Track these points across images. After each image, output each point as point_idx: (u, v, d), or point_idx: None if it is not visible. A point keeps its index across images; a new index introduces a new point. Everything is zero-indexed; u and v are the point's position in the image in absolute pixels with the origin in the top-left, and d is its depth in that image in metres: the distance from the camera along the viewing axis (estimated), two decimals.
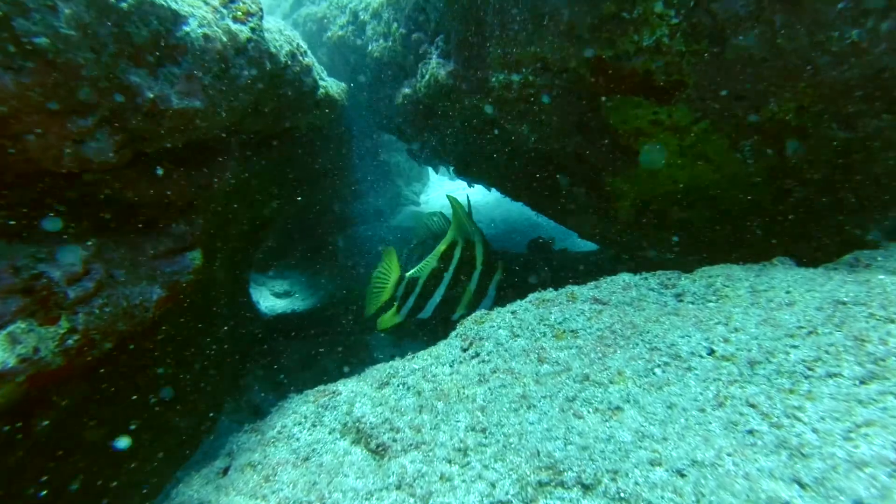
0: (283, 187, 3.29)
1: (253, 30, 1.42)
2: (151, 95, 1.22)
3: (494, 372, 1.42)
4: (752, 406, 1.05)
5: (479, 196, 6.97)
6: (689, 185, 2.54)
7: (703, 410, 1.09)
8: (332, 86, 2.48)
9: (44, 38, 1.00)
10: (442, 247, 2.39)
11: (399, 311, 2.32)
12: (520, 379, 1.36)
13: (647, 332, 1.45)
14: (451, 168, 2.94)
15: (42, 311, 1.20)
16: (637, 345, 1.41)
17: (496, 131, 2.38)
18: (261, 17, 1.48)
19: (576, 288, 1.82)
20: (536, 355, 1.46)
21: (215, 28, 1.29)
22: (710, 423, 1.04)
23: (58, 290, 1.23)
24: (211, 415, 3.60)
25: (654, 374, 1.27)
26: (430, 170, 8.66)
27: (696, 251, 2.79)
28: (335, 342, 4.81)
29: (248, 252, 3.36)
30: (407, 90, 2.51)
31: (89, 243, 1.34)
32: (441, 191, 8.97)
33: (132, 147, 1.31)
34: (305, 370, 4.54)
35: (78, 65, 1.07)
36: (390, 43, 2.56)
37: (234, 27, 1.37)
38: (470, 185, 3.01)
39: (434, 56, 2.18)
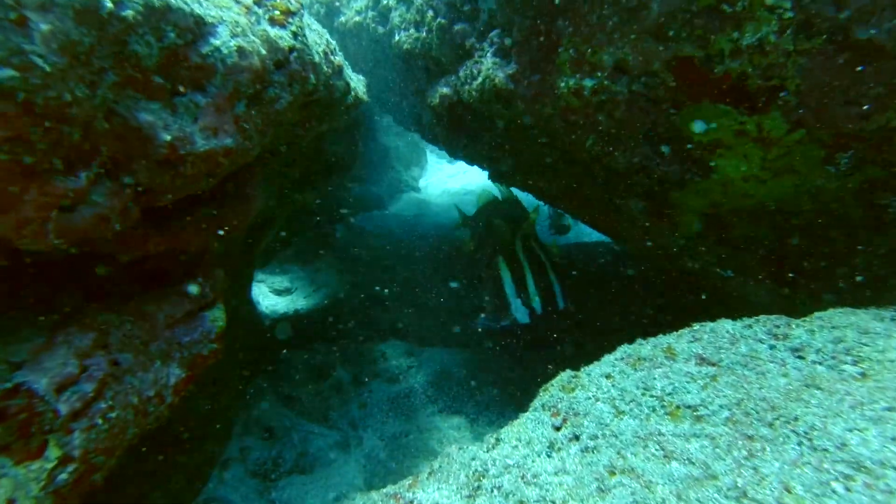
0: (288, 183, 2.94)
1: (295, 35, 1.06)
2: (169, 138, 0.86)
3: (613, 473, 1.13)
4: None
5: (481, 181, 6.63)
6: (766, 198, 2.24)
7: None
8: (359, 86, 2.11)
9: (10, 69, 0.65)
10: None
11: None
12: (652, 489, 1.07)
13: (795, 419, 1.16)
14: (488, 174, 2.60)
15: (20, 442, 0.87)
16: (788, 438, 1.12)
17: (551, 140, 2.04)
18: (302, 17, 1.12)
19: (671, 340, 1.54)
20: (657, 446, 1.17)
21: (251, 38, 0.93)
22: None
23: (42, 407, 0.90)
24: (219, 440, 3.29)
25: (834, 492, 0.99)
26: (428, 153, 8.27)
27: (761, 269, 2.51)
28: (344, 351, 4.51)
29: (250, 254, 3.00)
30: (446, 90, 2.15)
31: (87, 332, 1.00)
32: (439, 175, 8.60)
33: (139, 203, 0.96)
34: (317, 382, 4.24)
35: (63, 104, 0.72)
36: (424, 34, 2.18)
37: (273, 32, 1.01)
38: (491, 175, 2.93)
39: (489, 55, 1.82)
